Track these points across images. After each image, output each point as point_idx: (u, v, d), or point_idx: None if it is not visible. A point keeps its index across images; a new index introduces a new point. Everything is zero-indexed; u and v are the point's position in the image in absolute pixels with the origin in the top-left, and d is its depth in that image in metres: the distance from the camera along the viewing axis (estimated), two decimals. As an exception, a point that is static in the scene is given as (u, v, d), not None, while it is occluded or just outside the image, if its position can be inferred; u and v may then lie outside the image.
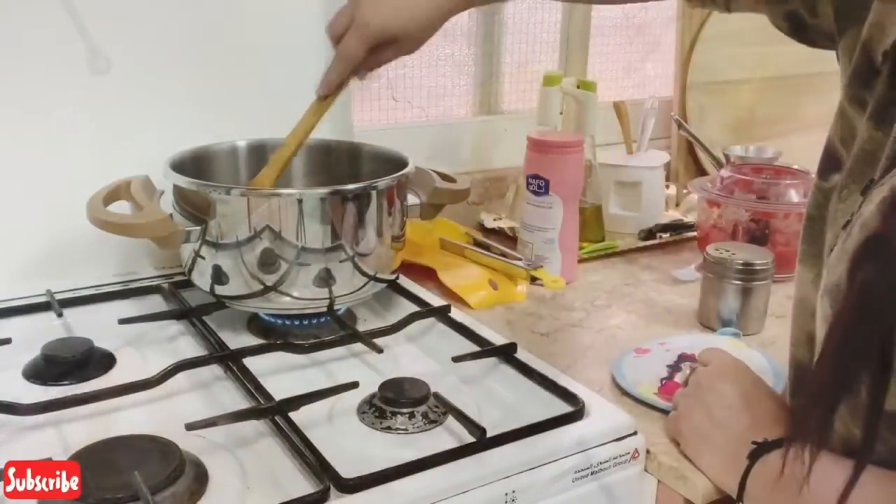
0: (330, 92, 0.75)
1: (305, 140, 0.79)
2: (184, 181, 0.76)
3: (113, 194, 0.78)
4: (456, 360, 0.72)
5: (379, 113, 1.16)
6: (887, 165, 0.52)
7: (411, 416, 0.64)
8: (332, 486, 0.55)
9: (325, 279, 0.76)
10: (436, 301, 0.87)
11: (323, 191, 0.76)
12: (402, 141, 0.93)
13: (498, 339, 0.77)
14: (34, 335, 0.76)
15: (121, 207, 0.77)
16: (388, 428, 0.64)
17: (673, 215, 1.23)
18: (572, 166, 0.96)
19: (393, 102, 1.17)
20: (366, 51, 0.71)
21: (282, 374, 0.73)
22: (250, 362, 0.72)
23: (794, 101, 1.48)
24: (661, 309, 0.92)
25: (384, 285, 0.84)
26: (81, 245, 0.87)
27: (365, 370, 0.75)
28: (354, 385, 0.66)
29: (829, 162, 0.60)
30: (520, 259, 0.97)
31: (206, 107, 0.93)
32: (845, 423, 0.52)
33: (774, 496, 0.54)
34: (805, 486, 0.49)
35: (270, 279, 0.75)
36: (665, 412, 0.67)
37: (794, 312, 0.62)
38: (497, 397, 0.71)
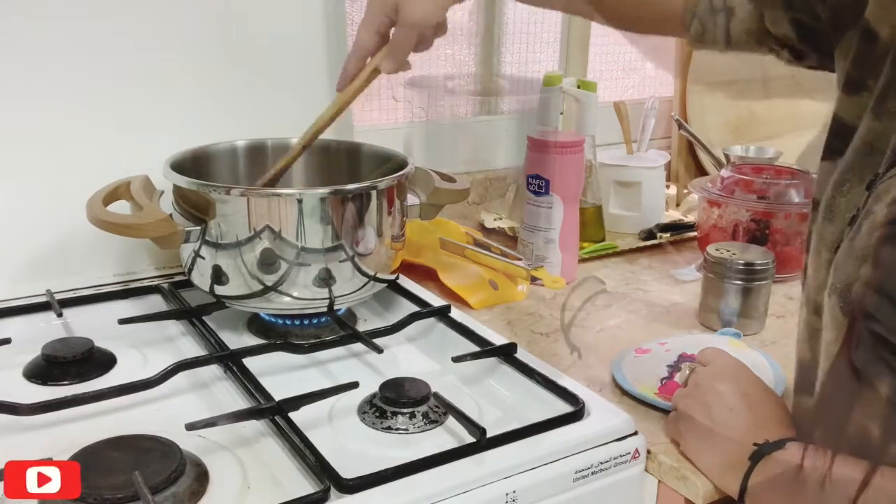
0: (345, 83, 0.77)
1: (321, 132, 0.81)
2: (184, 181, 0.76)
3: (113, 194, 0.78)
4: (456, 360, 0.72)
5: (379, 113, 1.16)
6: (893, 158, 0.51)
7: (412, 416, 0.64)
8: (332, 487, 0.55)
9: (325, 279, 0.76)
10: (436, 301, 0.87)
11: (323, 191, 0.76)
12: (402, 141, 0.93)
13: (498, 339, 0.77)
14: (34, 335, 0.76)
15: (121, 207, 0.77)
16: (389, 428, 0.64)
17: (673, 215, 1.23)
18: (572, 166, 0.96)
19: (393, 102, 1.17)
20: (373, 33, 0.73)
21: (282, 374, 0.73)
22: (250, 362, 0.72)
23: (794, 101, 1.47)
24: (661, 309, 0.92)
25: (384, 285, 0.84)
26: (81, 245, 0.87)
27: (365, 370, 0.75)
28: (354, 385, 0.66)
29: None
30: (520, 259, 0.97)
31: (206, 107, 0.93)
32: (859, 420, 0.51)
33: (776, 497, 0.54)
34: (827, 481, 0.48)
35: (270, 279, 0.75)
36: (666, 412, 0.67)
37: (800, 307, 0.62)
38: (497, 397, 0.71)
